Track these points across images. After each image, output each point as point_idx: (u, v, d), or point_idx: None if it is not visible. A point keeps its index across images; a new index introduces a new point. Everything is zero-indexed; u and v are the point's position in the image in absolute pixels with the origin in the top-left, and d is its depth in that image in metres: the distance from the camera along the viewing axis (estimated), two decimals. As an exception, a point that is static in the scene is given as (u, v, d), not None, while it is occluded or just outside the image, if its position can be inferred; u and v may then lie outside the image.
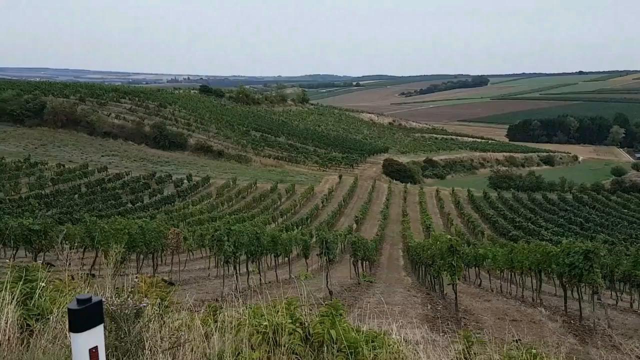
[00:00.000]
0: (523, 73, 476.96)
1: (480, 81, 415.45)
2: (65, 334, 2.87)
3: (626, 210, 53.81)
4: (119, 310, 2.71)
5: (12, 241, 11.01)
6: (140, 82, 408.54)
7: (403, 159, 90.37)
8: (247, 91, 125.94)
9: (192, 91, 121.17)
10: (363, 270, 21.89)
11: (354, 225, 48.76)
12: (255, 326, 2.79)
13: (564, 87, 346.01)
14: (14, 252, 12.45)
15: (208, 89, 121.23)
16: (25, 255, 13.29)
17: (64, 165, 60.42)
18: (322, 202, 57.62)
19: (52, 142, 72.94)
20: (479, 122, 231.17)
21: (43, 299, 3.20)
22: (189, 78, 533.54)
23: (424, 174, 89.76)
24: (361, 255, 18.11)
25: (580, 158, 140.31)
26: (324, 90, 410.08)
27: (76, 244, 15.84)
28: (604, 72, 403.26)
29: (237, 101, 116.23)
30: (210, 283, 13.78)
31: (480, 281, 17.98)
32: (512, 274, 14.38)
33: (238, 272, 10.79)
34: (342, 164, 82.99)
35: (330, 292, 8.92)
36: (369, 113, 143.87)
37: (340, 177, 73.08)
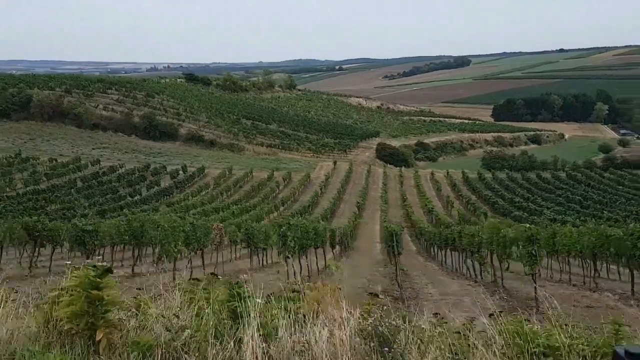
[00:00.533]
0: (504, 52, 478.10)
1: (462, 62, 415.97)
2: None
3: (621, 187, 54.68)
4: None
5: (67, 243, 10.74)
6: (119, 71, 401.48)
7: (395, 143, 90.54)
8: (234, 78, 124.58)
9: (178, 80, 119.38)
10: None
11: (356, 211, 49.02)
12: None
13: (545, 65, 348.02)
14: (71, 254, 12.20)
15: (194, 77, 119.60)
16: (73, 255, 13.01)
17: (56, 160, 59.33)
18: (321, 189, 57.51)
19: (40, 135, 71.47)
20: (463, 103, 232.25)
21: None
22: (169, 66, 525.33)
23: (416, 157, 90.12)
24: (389, 244, 18.15)
25: (567, 136, 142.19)
26: (307, 76, 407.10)
27: (117, 242, 15.62)
28: (584, 49, 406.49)
29: (224, 89, 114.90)
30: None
31: (508, 265, 17.87)
32: (551, 258, 14.51)
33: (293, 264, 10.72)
34: (335, 149, 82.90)
35: (400, 286, 8.87)
36: (357, 97, 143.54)
37: (335, 163, 73.01)
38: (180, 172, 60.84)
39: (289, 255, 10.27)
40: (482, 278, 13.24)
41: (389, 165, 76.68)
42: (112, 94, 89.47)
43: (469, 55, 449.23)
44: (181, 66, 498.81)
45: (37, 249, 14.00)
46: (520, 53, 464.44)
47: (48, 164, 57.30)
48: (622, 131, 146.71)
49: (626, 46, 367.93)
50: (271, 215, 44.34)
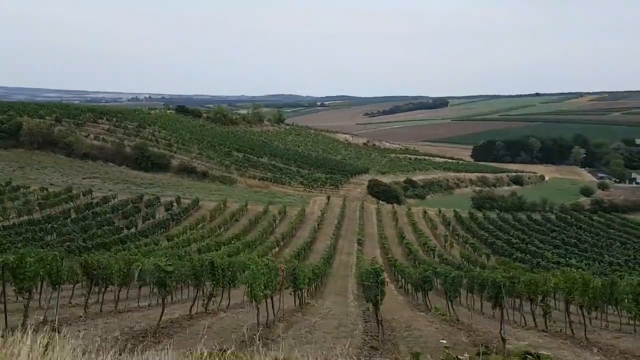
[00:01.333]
0: (480, 95, 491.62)
1: (441, 102, 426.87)
2: None
3: (612, 231, 56.00)
4: None
5: (147, 285, 10.43)
6: (99, 100, 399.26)
7: (385, 180, 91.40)
8: (225, 111, 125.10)
9: (168, 111, 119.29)
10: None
11: (355, 247, 49.02)
12: None
13: (522, 108, 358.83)
14: (156, 299, 11.84)
15: (185, 109, 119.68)
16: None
17: (47, 189, 58.10)
18: (317, 225, 57.43)
19: (29, 164, 70.06)
20: (443, 142, 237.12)
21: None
22: (150, 97, 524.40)
23: (405, 194, 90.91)
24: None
25: (547, 178, 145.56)
26: (289, 110, 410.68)
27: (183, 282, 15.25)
28: (559, 93, 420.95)
29: (215, 121, 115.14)
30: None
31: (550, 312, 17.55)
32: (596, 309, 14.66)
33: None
34: (326, 184, 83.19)
35: (504, 339, 8.88)
36: (344, 134, 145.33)
37: (328, 198, 73.16)
38: (174, 204, 60.11)
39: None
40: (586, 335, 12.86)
41: (381, 201, 77.10)
42: (103, 124, 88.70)
43: (447, 97, 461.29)
44: (163, 97, 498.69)
45: (92, 288, 13.66)
46: (496, 96, 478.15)
47: (40, 193, 56.07)
48: (600, 174, 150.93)
49: (600, 92, 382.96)
50: (273, 250, 44.04)
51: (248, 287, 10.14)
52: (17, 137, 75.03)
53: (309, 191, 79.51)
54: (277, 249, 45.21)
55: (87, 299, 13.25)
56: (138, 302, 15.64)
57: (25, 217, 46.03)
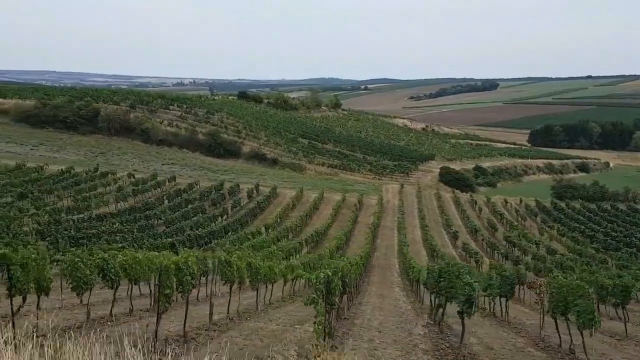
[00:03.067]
0: (530, 77, 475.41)
1: (490, 85, 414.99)
2: None
3: None
4: None
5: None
6: (146, 85, 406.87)
7: (454, 167, 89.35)
8: (285, 97, 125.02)
9: (230, 97, 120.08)
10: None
11: (447, 239, 47.92)
12: None
13: (574, 91, 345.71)
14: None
15: (246, 95, 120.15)
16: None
17: (134, 176, 59.13)
18: (401, 215, 56.46)
19: (109, 150, 71.62)
20: (496, 126, 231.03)
21: None
22: (194, 81, 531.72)
23: (476, 182, 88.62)
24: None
25: (611, 164, 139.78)
26: (332, 94, 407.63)
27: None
28: (612, 76, 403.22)
29: (275, 107, 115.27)
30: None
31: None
32: None
33: None
34: (395, 172, 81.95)
35: None
36: (402, 118, 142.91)
37: (402, 186, 72.04)
38: (254, 191, 60.39)
39: None
40: None
41: (456, 190, 75.29)
42: (174, 110, 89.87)
43: (496, 79, 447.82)
44: (206, 82, 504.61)
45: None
46: (547, 78, 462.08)
47: (128, 180, 57.11)
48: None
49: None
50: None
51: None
52: (95, 123, 76.76)
53: (379, 179, 78.45)
54: (369, 244, 44.48)
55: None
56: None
57: (123, 204, 46.98)
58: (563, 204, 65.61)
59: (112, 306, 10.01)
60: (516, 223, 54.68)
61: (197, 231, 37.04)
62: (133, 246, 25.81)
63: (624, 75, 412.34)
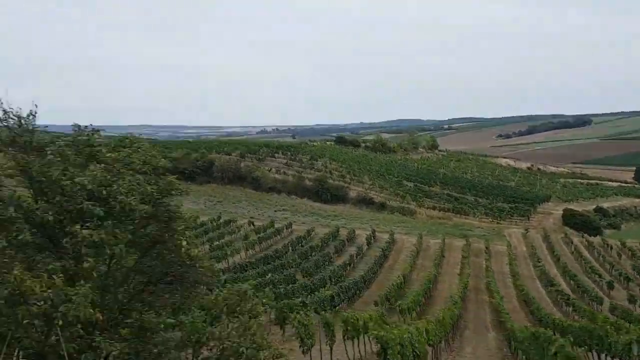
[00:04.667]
0: (623, 112, 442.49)
1: (583, 121, 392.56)
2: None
3: None
4: None
5: None
6: (232, 134, 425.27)
7: (576, 209, 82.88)
8: (384, 140, 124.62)
9: (327, 143, 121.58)
10: None
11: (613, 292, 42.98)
12: None
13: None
14: None
15: (344, 139, 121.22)
16: None
17: (253, 223, 59.66)
18: (538, 262, 52.06)
19: (225, 198, 73.57)
20: (596, 163, 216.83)
21: None
22: (277, 129, 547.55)
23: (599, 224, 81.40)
24: None
25: None
26: (427, 135, 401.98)
27: None
28: None
29: (374, 150, 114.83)
30: None
31: None
32: None
33: None
34: (514, 215, 77.22)
35: None
36: (504, 157, 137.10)
37: (527, 230, 67.37)
38: (372, 237, 58.73)
39: None
40: None
41: (584, 234, 69.27)
42: (280, 158, 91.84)
43: (589, 114, 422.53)
44: (289, 128, 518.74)
45: None
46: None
47: (249, 228, 57.57)
48: None
49: None
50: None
51: None
52: (210, 174, 79.62)
53: (498, 222, 74.05)
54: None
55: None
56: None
57: (251, 252, 47.03)
58: None
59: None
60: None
61: (341, 282, 35.66)
62: (303, 302, 24.59)
63: None
